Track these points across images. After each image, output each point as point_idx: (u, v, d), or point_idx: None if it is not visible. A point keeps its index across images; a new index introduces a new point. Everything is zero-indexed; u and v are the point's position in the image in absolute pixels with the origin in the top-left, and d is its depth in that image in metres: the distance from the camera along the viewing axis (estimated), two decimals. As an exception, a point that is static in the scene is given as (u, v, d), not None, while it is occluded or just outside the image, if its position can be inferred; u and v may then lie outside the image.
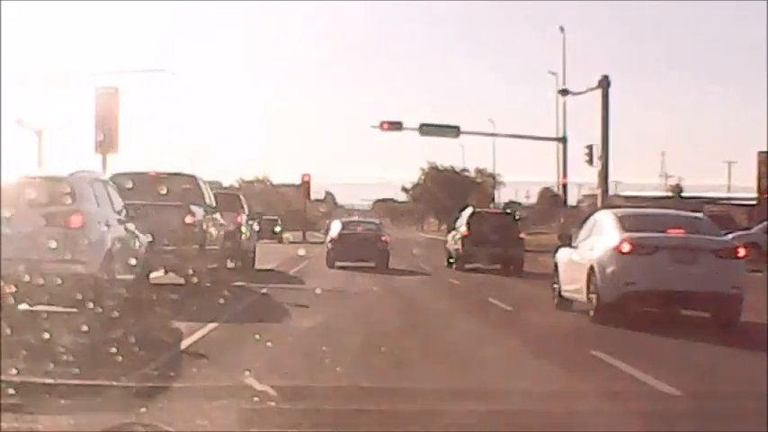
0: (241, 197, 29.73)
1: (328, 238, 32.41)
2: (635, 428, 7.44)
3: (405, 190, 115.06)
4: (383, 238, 31.80)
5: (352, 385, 8.89)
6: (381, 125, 48.87)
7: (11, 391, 7.36)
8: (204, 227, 19.09)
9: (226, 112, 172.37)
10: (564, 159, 50.33)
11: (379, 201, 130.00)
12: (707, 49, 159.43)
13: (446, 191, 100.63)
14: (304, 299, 17.65)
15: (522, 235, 32.69)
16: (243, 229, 26.05)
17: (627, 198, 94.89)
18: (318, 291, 19.37)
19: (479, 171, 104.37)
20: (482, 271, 30.53)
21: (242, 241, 25.72)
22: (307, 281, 23.64)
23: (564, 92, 47.62)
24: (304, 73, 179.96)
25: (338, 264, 30.39)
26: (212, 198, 21.21)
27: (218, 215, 21.17)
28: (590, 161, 42.57)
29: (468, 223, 32.17)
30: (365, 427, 7.19)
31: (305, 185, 68.55)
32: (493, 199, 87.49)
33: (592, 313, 14.90)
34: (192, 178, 20.77)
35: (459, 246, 31.99)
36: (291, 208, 76.87)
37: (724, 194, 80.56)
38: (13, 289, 11.55)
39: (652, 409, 8.15)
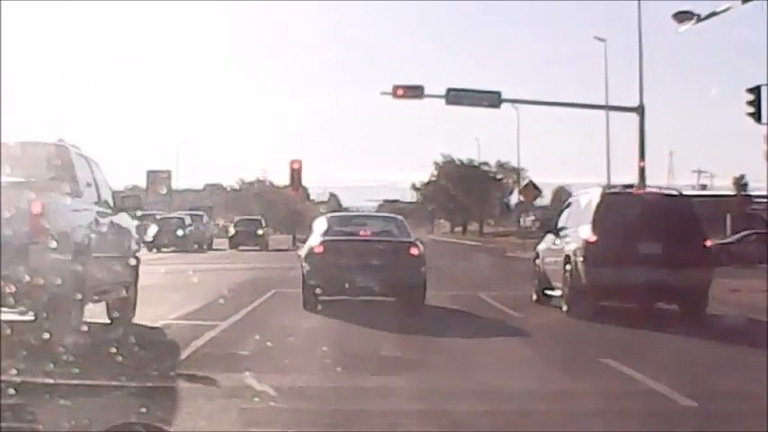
0: (71, 153, 12.55)
1: (304, 251, 18.60)
2: (635, 429, 7.87)
3: (415, 188, 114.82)
4: (412, 251, 18.11)
5: (352, 385, 9.48)
6: (395, 91, 40.66)
7: (11, 391, 7.78)
8: None
9: (222, 110, 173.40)
10: (641, 134, 39.90)
11: (386, 201, 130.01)
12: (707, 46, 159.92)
13: (462, 188, 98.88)
14: None
15: (708, 242, 18.20)
16: (50, 239, 10.67)
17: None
18: None
19: (501, 165, 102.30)
20: (618, 317, 16.72)
21: (51, 270, 10.57)
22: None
23: (682, 15, 33.49)
24: (305, 72, 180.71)
25: (324, 298, 17.51)
26: None
27: None
28: (756, 114, 28.91)
29: (595, 220, 17.63)
30: (365, 427, 7.69)
31: (295, 174, 57.25)
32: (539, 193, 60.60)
33: None
34: None
35: (577, 265, 17.53)
36: (292, 209, 77.08)
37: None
38: None
39: (651, 410, 8.59)
